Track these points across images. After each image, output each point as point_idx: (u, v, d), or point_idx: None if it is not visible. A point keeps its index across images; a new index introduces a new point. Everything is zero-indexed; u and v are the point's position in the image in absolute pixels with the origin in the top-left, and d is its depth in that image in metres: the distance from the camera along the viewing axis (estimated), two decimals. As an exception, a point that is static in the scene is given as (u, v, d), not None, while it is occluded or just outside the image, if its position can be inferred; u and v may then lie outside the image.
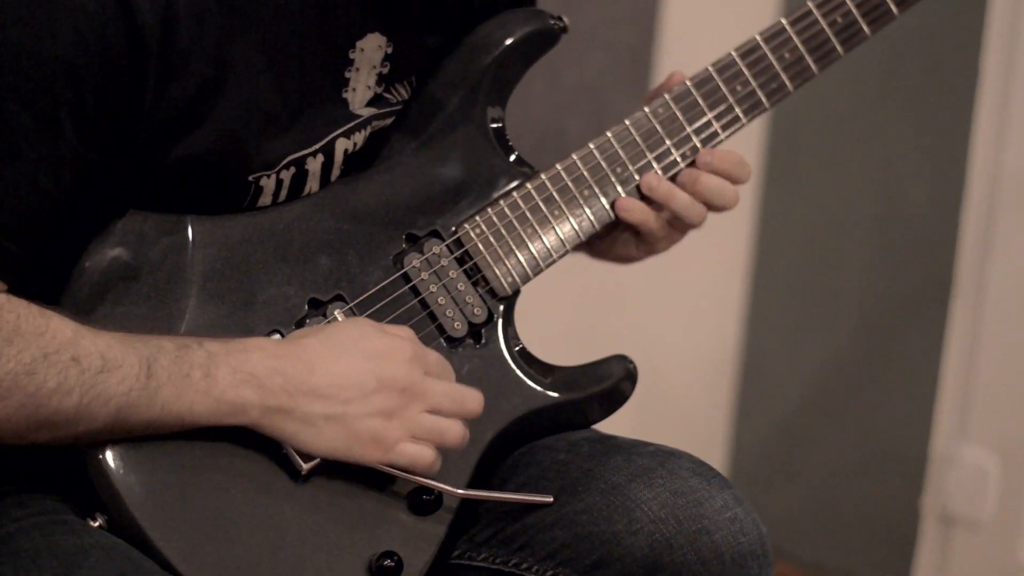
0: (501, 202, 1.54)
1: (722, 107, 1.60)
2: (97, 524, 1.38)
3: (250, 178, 1.45)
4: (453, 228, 1.53)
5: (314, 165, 1.48)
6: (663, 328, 2.84)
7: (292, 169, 1.47)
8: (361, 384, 1.40)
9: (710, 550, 1.42)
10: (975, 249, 2.67)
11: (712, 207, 1.60)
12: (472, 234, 1.53)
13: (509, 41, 1.57)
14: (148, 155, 1.40)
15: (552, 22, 1.59)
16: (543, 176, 1.56)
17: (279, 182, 1.47)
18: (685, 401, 2.94)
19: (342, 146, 1.50)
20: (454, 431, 1.43)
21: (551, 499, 1.45)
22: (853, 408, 2.88)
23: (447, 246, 1.52)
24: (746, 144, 2.87)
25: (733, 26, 2.69)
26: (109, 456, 1.37)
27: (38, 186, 1.35)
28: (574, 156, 1.57)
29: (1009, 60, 2.59)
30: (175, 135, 1.39)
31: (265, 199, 1.47)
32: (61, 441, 1.36)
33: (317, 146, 1.48)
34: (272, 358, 1.39)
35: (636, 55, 2.59)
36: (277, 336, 1.45)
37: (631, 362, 1.58)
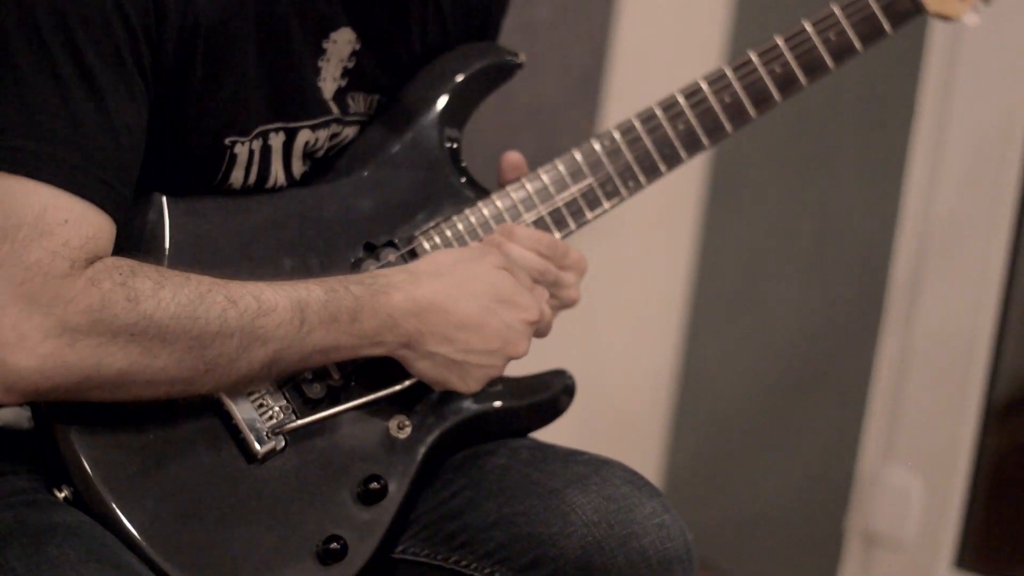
0: (454, 218, 1.61)
1: (664, 144, 1.65)
2: (63, 495, 1.43)
3: (226, 141, 1.49)
4: (408, 239, 1.59)
5: (276, 141, 1.54)
6: (604, 344, 2.85)
7: (260, 140, 1.52)
8: (486, 341, 1.50)
9: (638, 554, 1.48)
10: (906, 278, 2.71)
11: None
12: (426, 245, 1.59)
13: (468, 72, 1.64)
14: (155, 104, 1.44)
15: (508, 58, 1.66)
16: (494, 197, 1.62)
17: (251, 153, 1.52)
18: (623, 416, 2.96)
19: (304, 137, 1.56)
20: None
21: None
22: (784, 428, 2.90)
23: (402, 256, 1.58)
24: (689, 171, 2.91)
25: (681, 52, 2.75)
26: (76, 431, 1.42)
27: (130, 129, 1.39)
28: (524, 180, 1.63)
29: (943, 106, 2.65)
30: (174, 82, 1.44)
31: (238, 172, 1.52)
32: (221, 387, 1.42)
33: (284, 124, 1.53)
34: (411, 302, 1.48)
35: (588, 78, 2.61)
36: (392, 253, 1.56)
37: (570, 377, 1.66)
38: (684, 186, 2.88)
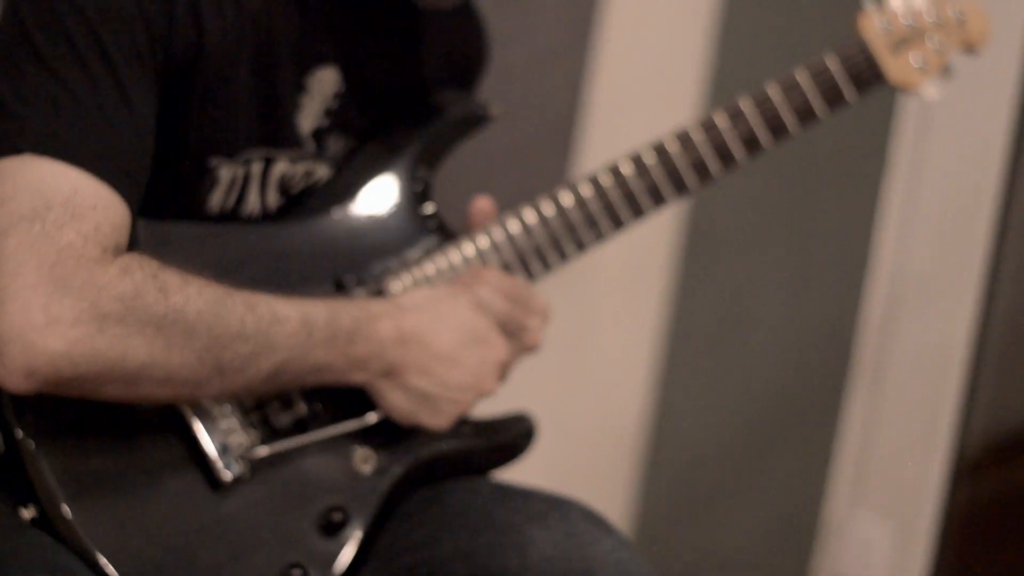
0: (423, 259, 1.63)
1: (630, 197, 1.67)
2: (29, 515, 1.44)
3: (212, 162, 1.51)
4: (377, 279, 1.61)
5: (256, 168, 1.56)
6: (576, 388, 2.85)
7: (244, 167, 1.54)
8: (461, 376, 1.53)
9: (597, 589, 1.50)
10: (876, 327, 2.72)
11: None
12: (395, 287, 1.61)
13: (440, 122, 1.68)
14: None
15: (480, 111, 1.70)
16: (462, 240, 1.64)
17: (233, 177, 1.54)
18: (594, 459, 2.96)
19: (281, 167, 1.58)
20: None
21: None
22: (753, 474, 2.91)
23: (370, 295, 1.59)
24: (662, 220, 2.92)
25: (656, 98, 2.77)
26: (44, 449, 1.43)
27: (148, 127, 1.41)
28: (493, 225, 1.65)
29: (914, 163, 2.67)
30: (174, 95, 1.46)
31: (217, 195, 1.54)
32: (226, 392, 1.43)
33: (266, 153, 1.56)
34: (397, 331, 1.51)
35: (562, 122, 2.63)
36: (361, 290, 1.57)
37: (530, 421, 1.68)
38: (656, 234, 2.89)
